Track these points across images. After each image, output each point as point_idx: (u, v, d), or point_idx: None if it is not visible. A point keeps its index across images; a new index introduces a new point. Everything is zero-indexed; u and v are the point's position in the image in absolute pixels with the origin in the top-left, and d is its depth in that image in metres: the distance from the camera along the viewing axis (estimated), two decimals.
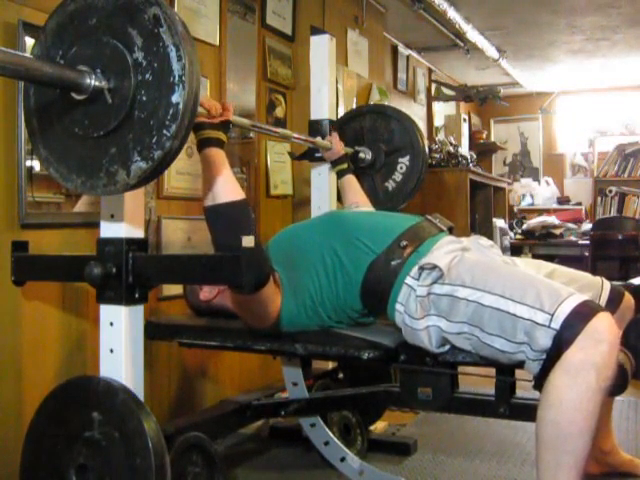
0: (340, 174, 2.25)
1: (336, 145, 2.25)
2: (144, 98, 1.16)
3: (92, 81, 1.18)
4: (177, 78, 1.13)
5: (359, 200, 2.19)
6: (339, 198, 2.36)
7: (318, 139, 2.26)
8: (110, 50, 1.18)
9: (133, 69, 1.16)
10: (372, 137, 2.46)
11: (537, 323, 1.30)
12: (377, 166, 2.44)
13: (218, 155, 1.54)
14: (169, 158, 1.18)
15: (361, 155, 2.41)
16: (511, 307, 1.34)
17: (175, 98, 1.13)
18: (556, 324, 1.28)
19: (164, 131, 1.14)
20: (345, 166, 2.26)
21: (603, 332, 1.26)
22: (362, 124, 2.48)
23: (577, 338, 1.25)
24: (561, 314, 1.28)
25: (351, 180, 2.25)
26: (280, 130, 2.18)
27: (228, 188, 1.51)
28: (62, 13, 1.26)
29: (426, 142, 2.45)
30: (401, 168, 2.43)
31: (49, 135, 1.30)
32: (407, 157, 2.42)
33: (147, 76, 1.16)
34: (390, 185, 2.44)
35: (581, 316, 1.27)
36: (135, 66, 1.16)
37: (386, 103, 4.05)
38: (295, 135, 2.18)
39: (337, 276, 1.60)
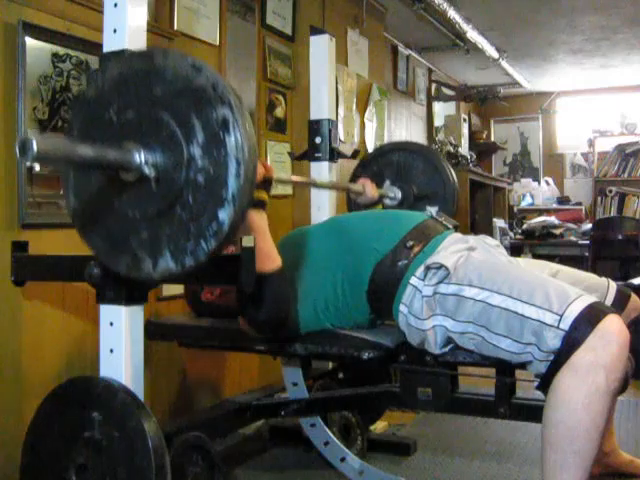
0: None
1: (369, 190, 2.20)
2: (190, 199, 1.09)
3: (140, 163, 1.10)
4: (230, 195, 1.05)
5: None
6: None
7: (350, 184, 2.26)
8: (167, 133, 1.10)
9: (186, 163, 1.09)
10: (406, 176, 2.39)
11: (546, 324, 1.30)
12: (404, 208, 2.36)
13: (259, 218, 1.49)
14: (198, 268, 1.12)
15: (390, 193, 2.36)
16: (519, 307, 1.34)
17: (222, 215, 1.06)
18: (565, 325, 1.28)
19: (202, 243, 1.08)
20: (379, 207, 2.25)
21: (613, 334, 1.25)
22: (400, 159, 2.41)
23: (587, 339, 1.25)
24: (570, 315, 1.28)
25: None
26: (318, 180, 2.17)
27: (265, 256, 1.48)
28: (127, 66, 1.18)
29: (457, 195, 2.38)
30: None
31: (83, 188, 1.23)
32: (436, 207, 2.38)
33: (199, 178, 1.08)
34: None
35: (591, 317, 1.27)
36: (189, 161, 1.09)
37: (385, 104, 4.06)
38: (330, 182, 2.20)
39: (344, 283, 1.59)
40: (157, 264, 1.14)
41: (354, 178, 2.40)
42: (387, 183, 2.38)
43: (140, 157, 1.11)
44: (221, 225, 1.07)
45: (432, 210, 1.75)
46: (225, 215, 1.07)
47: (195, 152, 1.09)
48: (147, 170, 1.11)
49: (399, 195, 2.38)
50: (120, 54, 1.28)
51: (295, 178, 2.14)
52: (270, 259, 1.51)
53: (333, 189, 2.28)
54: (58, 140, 1.05)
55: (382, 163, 2.44)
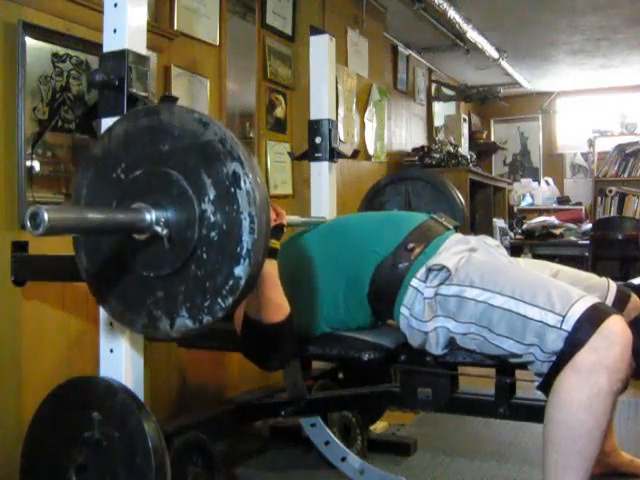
0: None
1: None
2: (204, 256, 1.09)
3: (152, 222, 1.09)
4: (245, 251, 1.05)
5: None
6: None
7: None
8: (177, 191, 1.10)
9: (199, 221, 1.08)
10: (415, 204, 2.39)
11: (548, 325, 1.29)
12: None
13: (269, 266, 1.44)
14: (215, 322, 1.12)
15: None
16: (521, 308, 1.34)
17: (238, 271, 1.06)
18: (568, 326, 1.27)
19: (219, 300, 1.08)
20: None
21: (616, 334, 1.25)
22: (408, 188, 2.41)
23: (590, 340, 1.25)
24: (573, 316, 1.28)
25: None
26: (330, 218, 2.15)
27: (274, 306, 1.47)
28: (133, 122, 1.18)
29: (467, 220, 2.39)
30: None
31: (96, 248, 1.23)
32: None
33: (212, 234, 1.08)
34: None
35: (593, 318, 1.27)
36: (201, 218, 1.08)
37: (385, 104, 4.06)
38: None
39: (345, 286, 1.59)
40: (174, 323, 1.14)
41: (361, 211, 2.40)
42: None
43: (151, 216, 1.10)
44: (237, 281, 1.06)
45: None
46: (241, 271, 1.06)
47: (207, 209, 1.08)
48: (159, 229, 1.10)
49: None
50: (127, 116, 1.26)
51: (305, 219, 2.10)
52: (281, 309, 1.48)
53: None
54: (68, 209, 1.04)
55: (391, 191, 2.44)
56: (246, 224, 1.05)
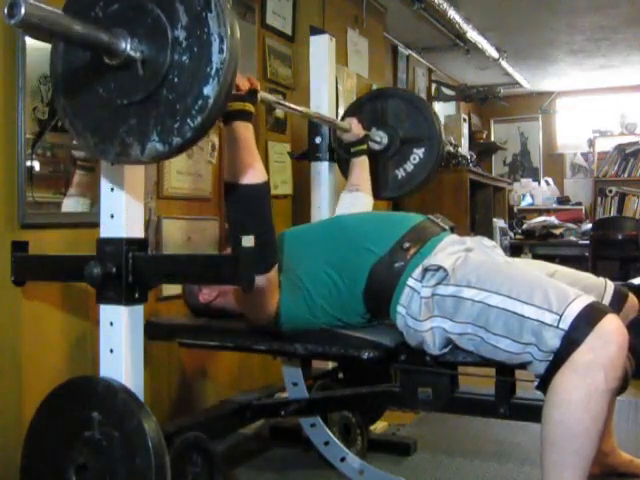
0: (355, 154, 2.24)
1: (355, 127, 2.23)
2: (176, 80, 1.13)
3: (127, 48, 1.14)
4: (214, 70, 1.10)
5: (361, 185, 2.17)
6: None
7: (338, 120, 2.26)
8: (152, 20, 1.14)
9: (171, 46, 1.13)
10: (392, 121, 2.42)
11: (545, 323, 1.30)
12: (391, 152, 2.40)
13: (245, 130, 1.50)
14: (187, 147, 1.16)
15: (377, 138, 2.38)
16: (518, 308, 1.34)
17: (207, 90, 1.10)
18: (565, 325, 1.28)
19: (188, 120, 1.12)
20: (364, 147, 2.25)
21: (612, 333, 1.26)
22: (385, 105, 2.43)
23: (586, 339, 1.26)
24: (570, 315, 1.28)
25: (363, 162, 2.23)
26: (302, 109, 2.12)
27: (250, 168, 1.49)
28: None
29: (444, 139, 2.42)
30: (414, 159, 2.39)
31: (71, 85, 1.27)
32: (422, 149, 2.39)
33: (184, 58, 1.12)
34: (400, 174, 2.41)
35: (590, 317, 1.28)
36: (174, 44, 1.13)
37: None
38: (316, 114, 2.18)
39: (340, 283, 1.60)
40: (145, 148, 1.17)
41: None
42: (373, 129, 2.39)
43: (126, 41, 1.15)
44: (206, 100, 1.10)
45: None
46: (210, 90, 1.10)
47: (179, 34, 1.13)
48: (133, 53, 1.14)
49: (385, 140, 2.40)
50: None
51: (281, 102, 2.03)
52: (255, 172, 1.49)
53: (320, 121, 2.25)
54: (51, 10, 1.06)
55: (368, 109, 2.45)
56: (216, 45, 1.09)
